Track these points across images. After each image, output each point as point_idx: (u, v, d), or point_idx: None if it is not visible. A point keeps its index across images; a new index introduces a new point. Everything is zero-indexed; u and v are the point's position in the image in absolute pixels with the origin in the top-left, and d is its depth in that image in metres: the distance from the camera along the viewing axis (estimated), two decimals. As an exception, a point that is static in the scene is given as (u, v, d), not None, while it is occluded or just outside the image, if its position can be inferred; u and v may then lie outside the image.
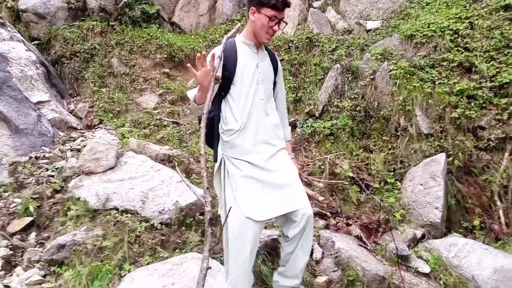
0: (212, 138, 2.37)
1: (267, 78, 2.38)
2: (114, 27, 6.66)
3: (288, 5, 2.25)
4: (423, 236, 3.48)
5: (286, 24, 2.32)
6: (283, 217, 2.27)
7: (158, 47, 6.58)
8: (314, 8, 7.31)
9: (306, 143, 4.86)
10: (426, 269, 3.00)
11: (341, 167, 4.22)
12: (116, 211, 3.20)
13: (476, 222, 3.68)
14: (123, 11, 6.84)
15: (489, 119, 4.11)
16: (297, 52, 6.28)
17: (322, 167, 4.23)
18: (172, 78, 6.42)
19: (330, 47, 6.17)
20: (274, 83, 2.49)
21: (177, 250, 2.99)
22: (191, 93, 2.24)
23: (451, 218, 3.80)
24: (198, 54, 2.02)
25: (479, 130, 4.11)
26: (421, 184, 3.81)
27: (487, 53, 4.56)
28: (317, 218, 3.50)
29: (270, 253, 2.89)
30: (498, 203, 3.74)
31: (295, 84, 5.85)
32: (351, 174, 4.17)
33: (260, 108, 2.31)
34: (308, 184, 3.69)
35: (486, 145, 4.00)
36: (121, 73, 6.01)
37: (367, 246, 3.25)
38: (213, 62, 2.07)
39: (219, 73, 2.20)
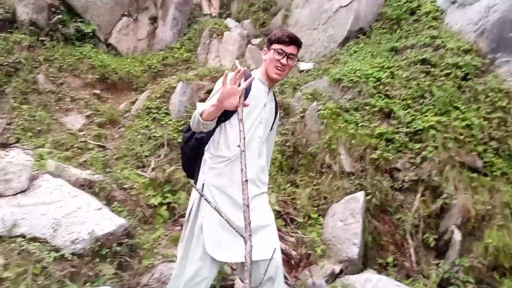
0: (195, 164, 2.29)
1: (269, 120, 2.35)
2: (44, 42, 6.35)
3: (296, 41, 2.25)
4: (341, 272, 3.59)
5: (298, 60, 2.32)
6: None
7: (91, 67, 6.37)
8: (253, 45, 7.56)
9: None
10: (341, 304, 3.08)
11: (270, 200, 4.27)
12: (23, 239, 2.94)
13: (390, 259, 3.88)
14: (55, 27, 6.57)
15: (404, 162, 4.45)
16: (234, 85, 6.40)
17: (249, 200, 4.25)
18: (103, 100, 6.20)
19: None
20: (271, 128, 2.46)
21: (87, 284, 2.79)
22: (201, 106, 2.12)
23: (367, 255, 3.98)
24: (240, 68, 1.97)
25: (395, 171, 4.42)
26: (341, 220, 3.97)
27: (404, 101, 4.99)
28: (240, 252, 3.48)
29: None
30: (410, 241, 4.00)
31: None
32: (278, 208, 4.24)
33: (255, 147, 2.25)
34: None
35: (400, 186, 4.30)
36: (46, 91, 5.69)
37: (288, 281, 3.28)
38: (245, 87, 2.00)
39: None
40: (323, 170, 4.76)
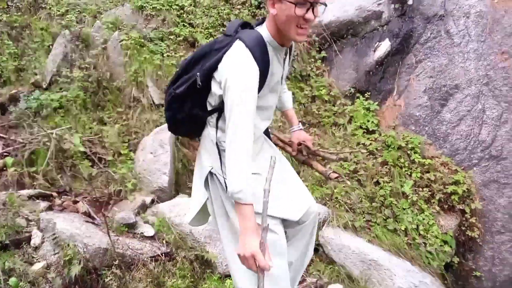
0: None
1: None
2: None
3: None
4: (152, 202, 3.71)
5: (326, 6, 1.66)
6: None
7: None
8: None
9: (30, 119, 4.34)
10: (150, 232, 3.22)
11: (70, 142, 3.99)
12: None
13: (199, 181, 4.16)
14: None
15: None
16: (19, 13, 5.45)
17: (48, 143, 3.89)
18: None
19: (60, 11, 5.61)
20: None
21: None
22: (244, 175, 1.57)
23: (179, 181, 4.18)
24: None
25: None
26: (151, 153, 4.02)
27: (207, 30, 5.09)
28: (38, 200, 3.24)
29: None
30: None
31: (16, 51, 5.09)
32: (82, 149, 4.00)
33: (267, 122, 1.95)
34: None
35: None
36: None
37: (95, 221, 3.23)
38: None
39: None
40: (132, 104, 4.63)
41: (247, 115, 1.57)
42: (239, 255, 1.57)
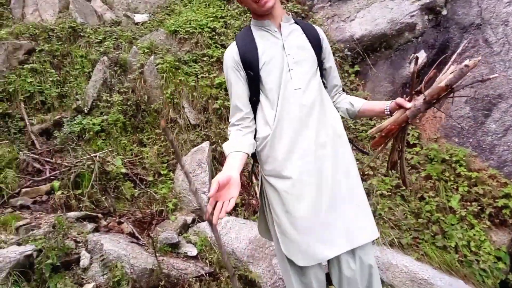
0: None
1: (304, 57, 1.82)
2: None
3: None
4: (193, 221, 3.72)
5: None
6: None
7: None
8: (78, -5, 6.76)
9: (74, 143, 4.49)
10: (194, 252, 3.22)
11: (113, 164, 4.09)
12: None
13: (238, 200, 4.15)
14: None
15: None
16: (60, 43, 5.71)
17: (92, 166, 4.00)
18: None
19: (97, 38, 5.85)
20: (321, 60, 1.92)
21: None
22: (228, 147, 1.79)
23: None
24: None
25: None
26: (190, 172, 4.05)
27: (239, 50, 5.16)
28: (85, 222, 3.31)
29: (25, 272, 2.57)
30: (254, 180, 4.33)
31: (59, 78, 5.32)
32: (124, 170, 4.09)
33: (297, 103, 1.76)
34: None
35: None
36: None
37: (140, 241, 3.26)
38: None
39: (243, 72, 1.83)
40: (169, 125, 4.73)
41: (232, 93, 1.86)
42: None
